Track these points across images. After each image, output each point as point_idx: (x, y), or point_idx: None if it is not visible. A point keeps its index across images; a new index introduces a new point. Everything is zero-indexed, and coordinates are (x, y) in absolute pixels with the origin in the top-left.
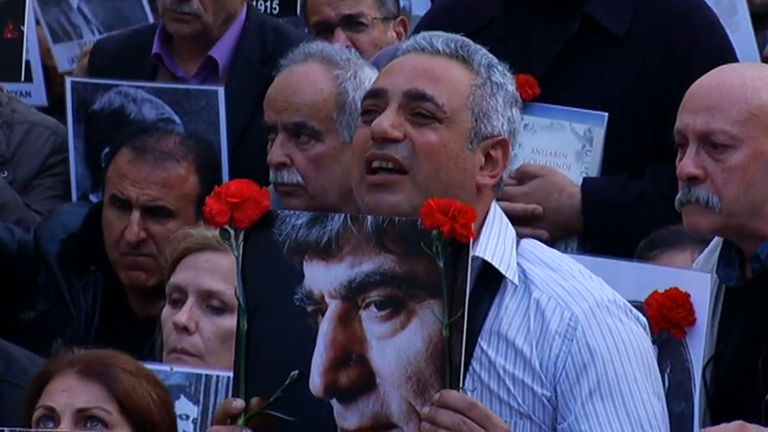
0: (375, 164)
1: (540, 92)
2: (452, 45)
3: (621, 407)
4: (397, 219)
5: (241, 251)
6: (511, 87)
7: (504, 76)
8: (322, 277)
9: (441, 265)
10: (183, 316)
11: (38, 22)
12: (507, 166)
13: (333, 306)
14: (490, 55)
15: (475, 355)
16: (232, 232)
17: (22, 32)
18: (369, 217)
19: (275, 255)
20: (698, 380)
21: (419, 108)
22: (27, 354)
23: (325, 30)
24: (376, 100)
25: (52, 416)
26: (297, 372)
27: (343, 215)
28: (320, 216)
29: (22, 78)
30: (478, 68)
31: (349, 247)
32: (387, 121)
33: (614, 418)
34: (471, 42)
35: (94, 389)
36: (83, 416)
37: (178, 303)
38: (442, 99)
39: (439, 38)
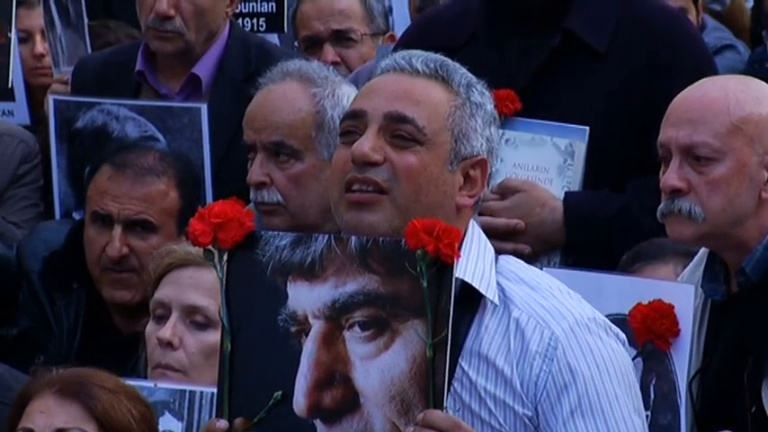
0: (355, 187)
1: (521, 106)
2: (432, 65)
3: (603, 425)
4: (381, 239)
5: (225, 272)
6: (489, 106)
7: (482, 96)
8: (306, 298)
9: (425, 285)
10: (167, 331)
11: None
12: (485, 185)
13: (316, 326)
14: (469, 74)
15: (456, 375)
16: (216, 253)
17: (9, 39)
18: (353, 237)
19: (259, 275)
20: (683, 391)
21: (399, 130)
22: (11, 371)
23: (314, 44)
24: (355, 121)
25: None
26: (280, 392)
27: (326, 236)
28: (304, 237)
29: (9, 84)
30: (458, 89)
31: (333, 268)
32: (367, 144)
33: None
34: (450, 62)
35: (72, 408)
36: None
37: (162, 319)
38: (423, 121)
39: (418, 57)
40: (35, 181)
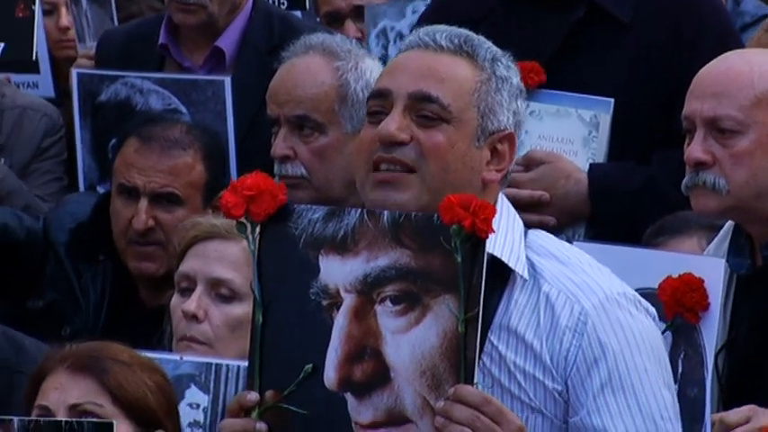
0: (383, 167)
1: (545, 78)
2: (456, 41)
3: (633, 399)
4: (413, 214)
5: (257, 245)
6: (516, 80)
7: (508, 69)
8: (338, 271)
9: (459, 260)
10: (192, 304)
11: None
12: (513, 159)
13: (348, 300)
14: (494, 48)
15: (485, 349)
16: (248, 226)
17: (33, 12)
18: (385, 212)
19: (291, 248)
20: (710, 365)
21: (425, 110)
22: (37, 343)
23: (335, 20)
24: (381, 101)
25: (47, 414)
26: (311, 365)
27: (359, 210)
28: (336, 210)
29: (34, 57)
30: (483, 63)
31: (365, 242)
32: (393, 124)
33: (626, 411)
34: (475, 36)
35: (85, 383)
36: (76, 411)
37: (187, 292)
38: (448, 99)
39: (442, 33)
40: (59, 154)
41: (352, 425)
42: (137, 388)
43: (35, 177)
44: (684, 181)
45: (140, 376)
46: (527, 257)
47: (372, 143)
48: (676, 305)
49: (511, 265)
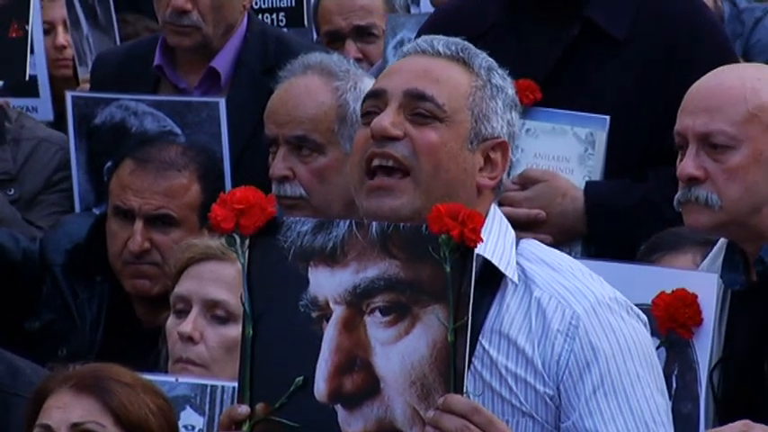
0: (375, 162)
1: (541, 96)
2: (453, 47)
3: (625, 403)
4: (401, 225)
5: (247, 258)
6: (511, 91)
7: (504, 80)
8: (327, 283)
9: (448, 270)
10: (187, 326)
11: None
12: (506, 168)
13: (337, 312)
14: (490, 59)
15: (476, 353)
16: (238, 239)
17: (27, 31)
18: (374, 223)
19: (281, 261)
20: (704, 381)
21: (419, 108)
22: (32, 365)
23: (335, 39)
24: (376, 101)
25: None
26: (302, 378)
27: (348, 221)
28: (325, 222)
29: (27, 77)
30: (479, 71)
31: (354, 253)
32: (387, 119)
33: (618, 415)
34: (471, 46)
35: (88, 402)
36: (78, 430)
37: (183, 313)
38: (443, 99)
39: (440, 40)
40: (68, 189)
41: None
42: (139, 410)
43: (41, 208)
44: (677, 196)
45: (143, 398)
46: (518, 264)
47: (366, 142)
48: (670, 320)
49: (502, 269)
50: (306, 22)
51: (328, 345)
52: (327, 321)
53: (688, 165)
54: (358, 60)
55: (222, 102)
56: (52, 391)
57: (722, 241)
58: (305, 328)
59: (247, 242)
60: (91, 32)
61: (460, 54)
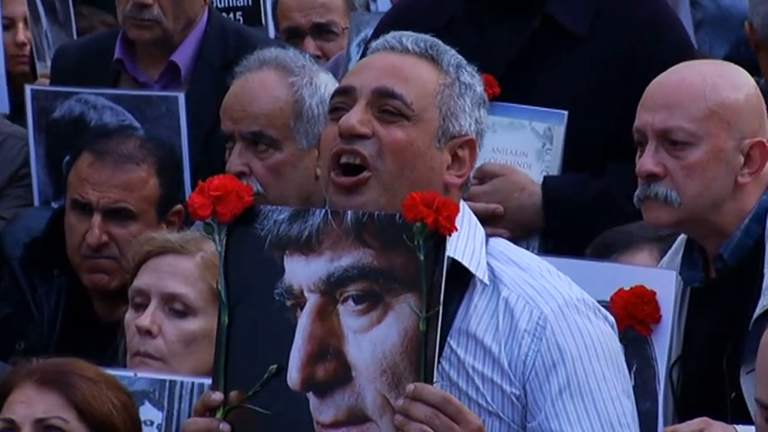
0: (343, 159)
1: (499, 91)
2: (422, 44)
3: (591, 405)
4: (376, 213)
5: (224, 246)
6: (479, 89)
7: (472, 77)
8: (302, 272)
9: (421, 258)
10: (146, 319)
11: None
12: (474, 166)
13: (311, 300)
14: (459, 56)
15: (444, 354)
16: (215, 226)
17: None
18: (349, 212)
19: (257, 249)
20: (663, 378)
21: (387, 105)
22: None
23: (294, 36)
24: (344, 97)
25: (13, 428)
26: (275, 366)
27: (324, 210)
28: (301, 211)
29: None
30: (447, 68)
31: (329, 242)
32: (355, 117)
33: (584, 417)
34: (440, 42)
35: (51, 398)
36: (42, 426)
37: (141, 307)
38: (411, 97)
39: (408, 37)
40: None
41: (314, 425)
42: (102, 405)
43: (6, 201)
44: (636, 193)
45: (106, 394)
46: (487, 263)
47: (334, 139)
48: (628, 317)
49: (472, 269)
50: (263, 21)
51: (301, 333)
52: (302, 310)
53: (647, 161)
54: (317, 58)
55: (181, 96)
56: (16, 384)
57: (681, 238)
58: (279, 317)
59: (225, 230)
60: (50, 27)
61: (429, 51)
